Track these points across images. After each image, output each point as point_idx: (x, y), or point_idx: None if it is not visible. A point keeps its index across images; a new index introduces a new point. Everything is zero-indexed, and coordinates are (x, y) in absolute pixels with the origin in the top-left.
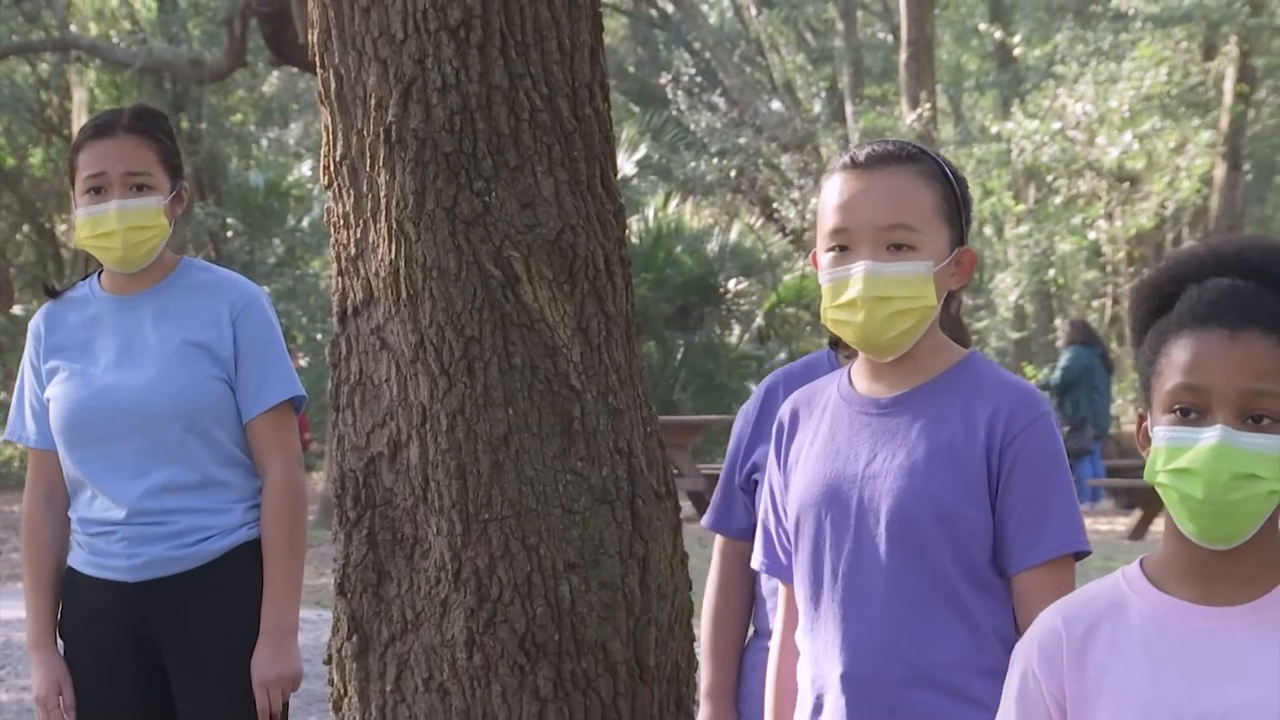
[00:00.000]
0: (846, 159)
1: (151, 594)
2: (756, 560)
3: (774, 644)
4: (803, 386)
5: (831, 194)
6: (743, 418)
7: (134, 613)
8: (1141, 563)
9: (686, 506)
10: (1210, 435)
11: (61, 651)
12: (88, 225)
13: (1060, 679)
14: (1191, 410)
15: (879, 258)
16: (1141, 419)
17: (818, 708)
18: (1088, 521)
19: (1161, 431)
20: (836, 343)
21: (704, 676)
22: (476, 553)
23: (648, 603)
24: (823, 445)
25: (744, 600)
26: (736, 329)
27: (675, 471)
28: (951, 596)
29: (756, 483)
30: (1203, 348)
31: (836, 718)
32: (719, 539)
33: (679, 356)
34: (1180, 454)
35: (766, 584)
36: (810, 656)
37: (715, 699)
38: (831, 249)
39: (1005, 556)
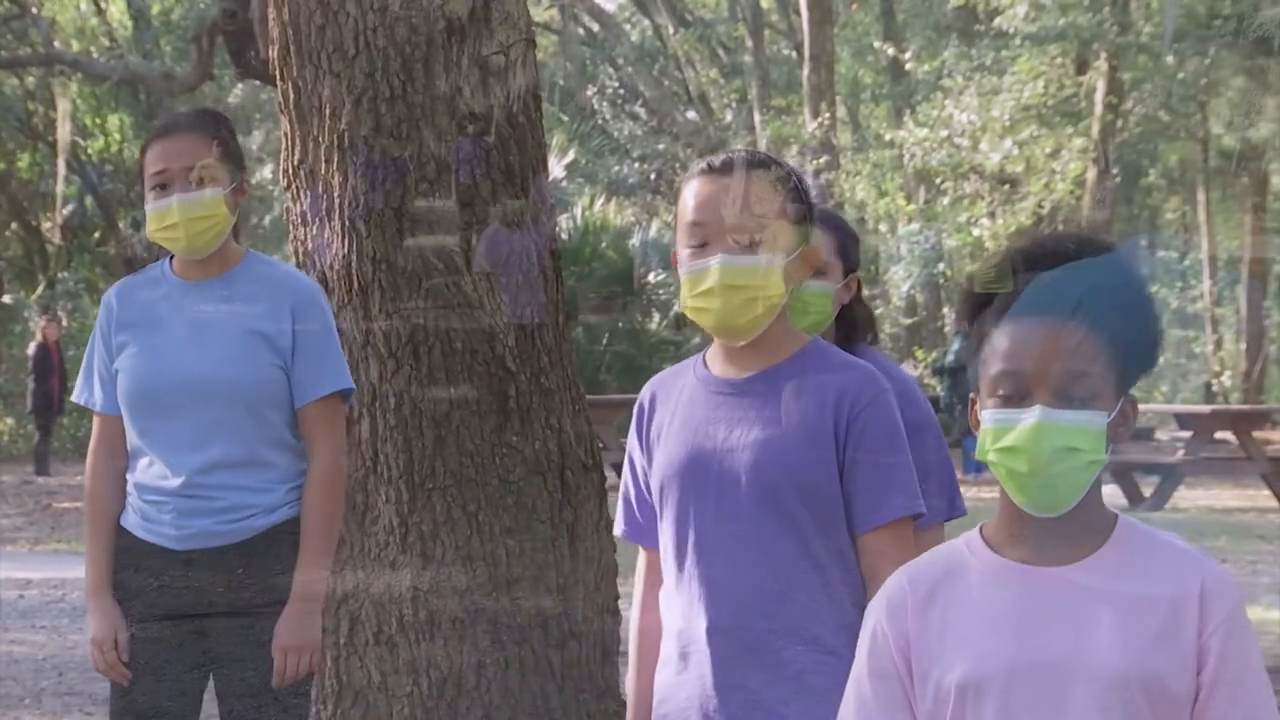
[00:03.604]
0: (704, 165)
1: (196, 562)
2: (618, 529)
3: (635, 602)
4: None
5: (690, 196)
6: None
7: (179, 578)
8: (981, 529)
9: (611, 476)
10: (1030, 415)
11: None
12: (154, 219)
13: (905, 633)
14: (1013, 393)
15: (733, 251)
16: (973, 403)
17: (683, 658)
18: (974, 490)
19: (988, 414)
20: None
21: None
22: (422, 519)
23: (576, 563)
24: (682, 423)
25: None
26: (656, 316)
27: (601, 445)
28: (808, 555)
29: None
30: (1019, 336)
31: (703, 667)
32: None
33: (604, 341)
34: (1005, 433)
35: None
36: (677, 612)
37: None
38: (690, 245)
39: (853, 519)
